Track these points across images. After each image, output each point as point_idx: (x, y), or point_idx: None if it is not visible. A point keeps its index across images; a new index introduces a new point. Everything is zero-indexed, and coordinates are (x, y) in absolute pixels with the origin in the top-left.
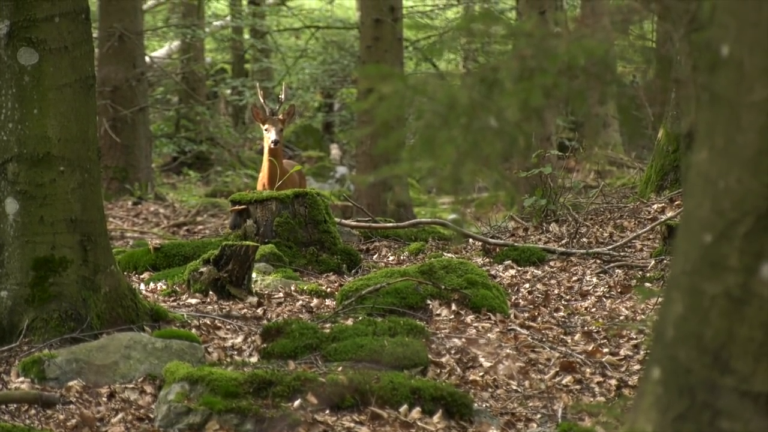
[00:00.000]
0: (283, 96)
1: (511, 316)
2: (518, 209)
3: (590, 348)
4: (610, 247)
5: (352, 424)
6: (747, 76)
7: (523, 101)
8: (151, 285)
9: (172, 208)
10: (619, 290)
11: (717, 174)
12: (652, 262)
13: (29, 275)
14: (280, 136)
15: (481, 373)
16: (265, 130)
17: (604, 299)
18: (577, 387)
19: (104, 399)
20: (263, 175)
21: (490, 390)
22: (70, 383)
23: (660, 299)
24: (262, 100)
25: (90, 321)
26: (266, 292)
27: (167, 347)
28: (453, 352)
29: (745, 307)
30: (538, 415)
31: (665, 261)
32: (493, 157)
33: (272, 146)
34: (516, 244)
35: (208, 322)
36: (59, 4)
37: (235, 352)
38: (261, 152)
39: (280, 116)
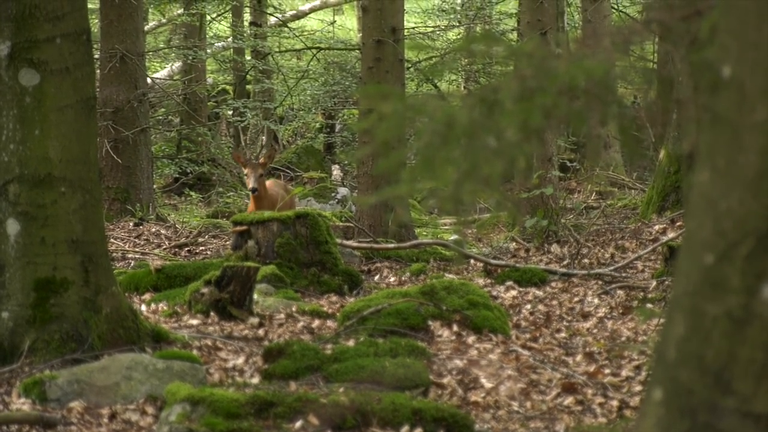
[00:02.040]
0: (264, 139)
1: (513, 337)
2: (519, 230)
3: (592, 369)
4: (612, 268)
5: None
6: (748, 97)
7: (522, 121)
8: (153, 306)
9: (174, 229)
10: (620, 311)
11: (718, 195)
12: (654, 283)
13: (30, 296)
14: (259, 182)
15: (482, 394)
16: (245, 175)
17: (606, 320)
18: (579, 408)
19: (105, 420)
20: (250, 209)
21: (491, 411)
22: (72, 404)
23: (661, 320)
24: (244, 144)
25: (91, 342)
26: (268, 313)
27: (168, 368)
28: (454, 373)
29: (747, 328)
30: None
31: (667, 282)
32: (493, 178)
33: (252, 194)
34: (517, 265)
35: (210, 343)
36: (60, 26)
37: (237, 373)
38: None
39: (261, 160)
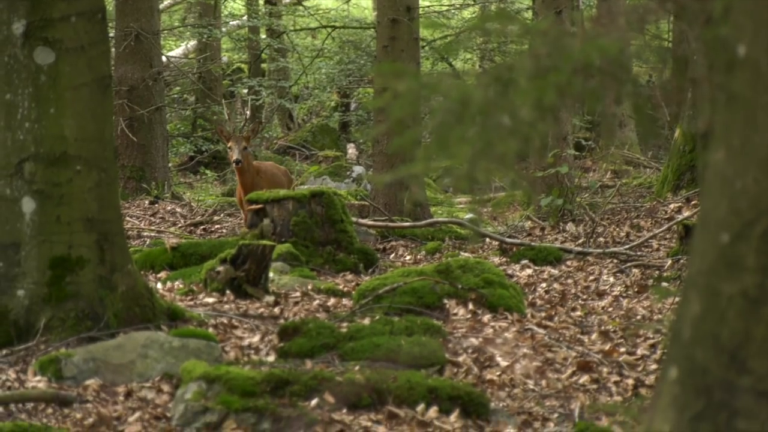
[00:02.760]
0: (248, 113)
1: (528, 315)
2: (535, 209)
3: (607, 347)
4: (627, 246)
5: (369, 423)
6: (763, 76)
7: (537, 100)
8: (168, 284)
9: (189, 207)
10: (635, 290)
11: (734, 174)
12: (669, 261)
13: (46, 274)
14: (243, 154)
15: (497, 373)
16: (229, 147)
17: (621, 299)
18: (594, 386)
19: (121, 398)
20: (237, 193)
21: (506, 389)
22: (87, 382)
23: (677, 299)
24: (227, 118)
25: (107, 320)
26: (283, 291)
27: (184, 346)
28: (470, 351)
29: (762, 307)
30: (555, 415)
31: (682, 261)
32: (508, 156)
33: (235, 165)
34: (533, 243)
35: (225, 321)
36: (75, 4)
37: (252, 351)
38: (277, 152)
39: (245, 133)
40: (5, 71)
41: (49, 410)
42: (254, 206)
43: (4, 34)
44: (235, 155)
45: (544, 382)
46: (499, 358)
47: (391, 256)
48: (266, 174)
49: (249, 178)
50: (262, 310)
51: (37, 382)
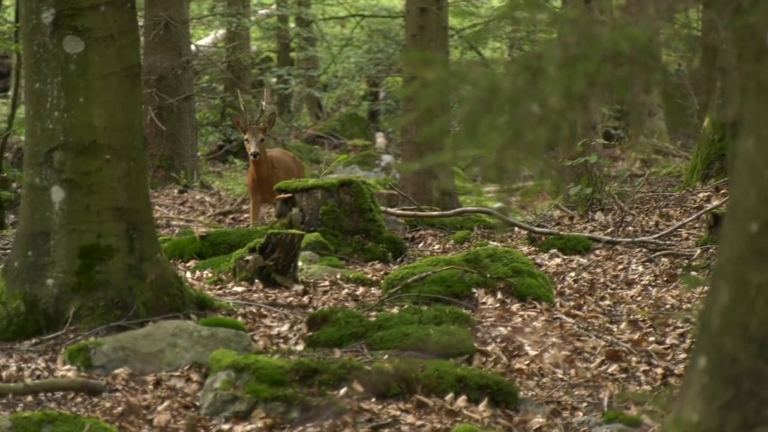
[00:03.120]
0: (264, 104)
1: (557, 304)
2: (564, 198)
3: (636, 337)
4: (656, 235)
5: (398, 413)
6: None
7: (566, 88)
8: (197, 273)
9: (218, 196)
10: (664, 279)
11: (763, 163)
12: (698, 250)
13: (75, 263)
14: (260, 147)
15: (526, 362)
16: (246, 140)
17: (650, 288)
18: (623, 376)
19: (150, 387)
20: (249, 180)
21: (535, 378)
22: (116, 371)
23: (706, 288)
24: (243, 109)
25: (136, 309)
26: (312, 280)
27: (213, 335)
28: (498, 340)
29: None
30: (584, 404)
31: (711, 250)
32: (536, 145)
33: (252, 158)
34: (561, 232)
35: (254, 310)
36: None
37: (281, 340)
38: (306, 141)
39: (261, 125)
40: (34, 60)
41: (78, 399)
42: (283, 195)
43: (33, 23)
44: (252, 148)
45: (572, 372)
46: (527, 348)
47: (420, 245)
48: (280, 163)
49: (265, 169)
50: (290, 299)
51: (66, 371)
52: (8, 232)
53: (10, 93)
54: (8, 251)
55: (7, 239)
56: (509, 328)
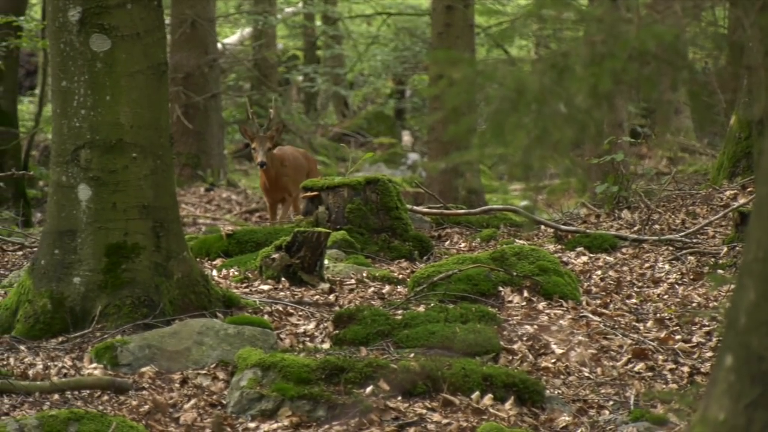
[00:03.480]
0: (272, 113)
1: (583, 302)
2: (590, 196)
3: (662, 335)
4: (683, 233)
5: (424, 411)
6: None
7: (592, 87)
8: (224, 271)
9: (245, 194)
10: (691, 277)
11: None
12: (725, 248)
13: (102, 261)
14: (268, 155)
15: (553, 360)
16: (253, 149)
17: (677, 286)
18: (650, 374)
19: (177, 385)
20: (261, 184)
21: (562, 377)
22: (143, 369)
23: (732, 286)
24: (249, 117)
25: (162, 307)
26: (338, 278)
27: (239, 333)
28: (525, 338)
29: None
30: (611, 402)
31: (738, 248)
32: (563, 144)
33: (260, 168)
34: (588, 230)
35: (280, 309)
36: None
37: (307, 339)
38: (332, 138)
39: (269, 133)
40: (61, 58)
41: (105, 397)
42: (309, 194)
43: (60, 21)
44: (259, 157)
45: (599, 370)
46: (554, 346)
47: (446, 243)
48: (290, 162)
49: (273, 174)
50: (317, 297)
51: (93, 370)
52: (35, 230)
53: (37, 91)
54: (35, 249)
55: (34, 237)
56: (535, 327)
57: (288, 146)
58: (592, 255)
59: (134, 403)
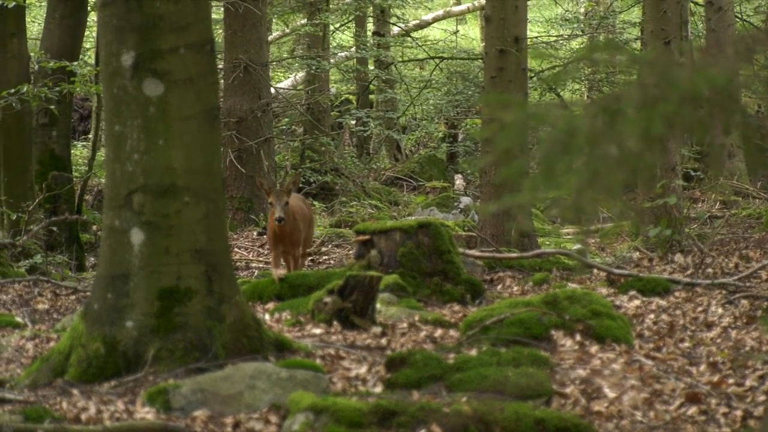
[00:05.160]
0: (289, 164)
1: (636, 346)
2: (643, 239)
3: (715, 379)
4: (736, 277)
5: None
6: None
7: (644, 130)
8: (276, 315)
9: None
10: (744, 321)
11: None
12: None
13: (154, 305)
14: (285, 211)
15: (605, 404)
16: (270, 203)
17: (730, 330)
18: (702, 418)
19: (229, 429)
20: (270, 234)
21: (614, 421)
22: (196, 413)
23: None
24: (266, 170)
25: (215, 351)
26: (390, 322)
27: (292, 377)
28: (577, 382)
29: None
30: None
31: None
32: (614, 187)
33: (277, 224)
34: (640, 274)
35: (332, 352)
36: (185, 36)
37: (359, 382)
38: (384, 182)
39: (286, 186)
40: (114, 103)
41: None
42: (362, 237)
43: (113, 66)
44: (277, 213)
45: (652, 414)
46: (606, 390)
47: (498, 286)
48: (299, 214)
49: (288, 229)
50: (369, 341)
51: (145, 413)
52: (88, 274)
53: (91, 136)
54: (88, 293)
55: (87, 281)
56: (588, 370)
57: (293, 195)
58: (644, 299)
59: None
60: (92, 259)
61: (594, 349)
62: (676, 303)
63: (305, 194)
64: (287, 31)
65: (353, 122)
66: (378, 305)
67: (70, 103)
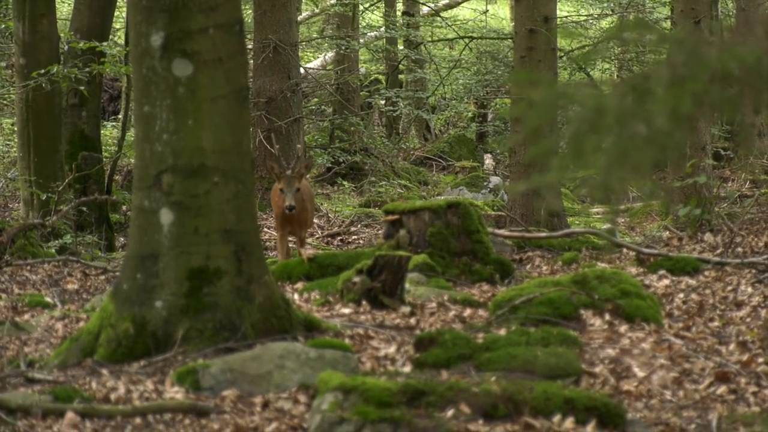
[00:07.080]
0: (300, 148)
1: (665, 326)
2: (672, 219)
3: (745, 358)
4: (766, 256)
5: None
6: None
7: (673, 109)
8: (305, 295)
9: (326, 218)
10: None
11: None
12: None
13: (184, 285)
14: (296, 198)
15: (634, 383)
16: (280, 189)
17: (760, 309)
18: (732, 397)
19: (258, 408)
20: (276, 214)
21: (643, 400)
22: (225, 393)
23: None
24: (277, 155)
25: (244, 331)
26: (419, 302)
27: (321, 357)
28: (606, 362)
29: None
30: (692, 426)
31: None
32: (643, 166)
33: (287, 212)
34: (670, 253)
35: (361, 332)
36: (214, 16)
37: (388, 362)
38: (414, 162)
39: (297, 171)
40: (143, 83)
41: (187, 421)
42: (391, 217)
43: (142, 47)
44: (288, 201)
45: (681, 393)
46: (635, 369)
47: (528, 266)
48: (307, 195)
49: (296, 213)
50: (398, 320)
51: (174, 393)
52: (118, 254)
53: (120, 116)
54: (117, 274)
55: (116, 262)
56: (617, 350)
57: None
58: (674, 278)
59: (216, 426)
60: (122, 239)
61: (623, 328)
62: (705, 282)
63: (334, 174)
64: (317, 11)
65: (382, 102)
66: (407, 285)
67: (99, 84)
